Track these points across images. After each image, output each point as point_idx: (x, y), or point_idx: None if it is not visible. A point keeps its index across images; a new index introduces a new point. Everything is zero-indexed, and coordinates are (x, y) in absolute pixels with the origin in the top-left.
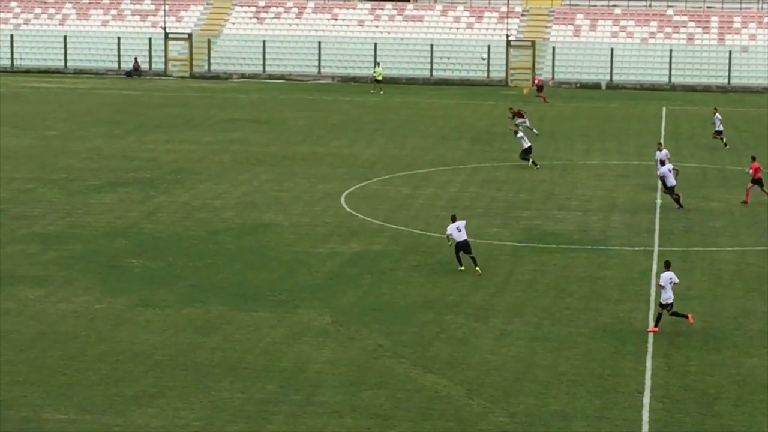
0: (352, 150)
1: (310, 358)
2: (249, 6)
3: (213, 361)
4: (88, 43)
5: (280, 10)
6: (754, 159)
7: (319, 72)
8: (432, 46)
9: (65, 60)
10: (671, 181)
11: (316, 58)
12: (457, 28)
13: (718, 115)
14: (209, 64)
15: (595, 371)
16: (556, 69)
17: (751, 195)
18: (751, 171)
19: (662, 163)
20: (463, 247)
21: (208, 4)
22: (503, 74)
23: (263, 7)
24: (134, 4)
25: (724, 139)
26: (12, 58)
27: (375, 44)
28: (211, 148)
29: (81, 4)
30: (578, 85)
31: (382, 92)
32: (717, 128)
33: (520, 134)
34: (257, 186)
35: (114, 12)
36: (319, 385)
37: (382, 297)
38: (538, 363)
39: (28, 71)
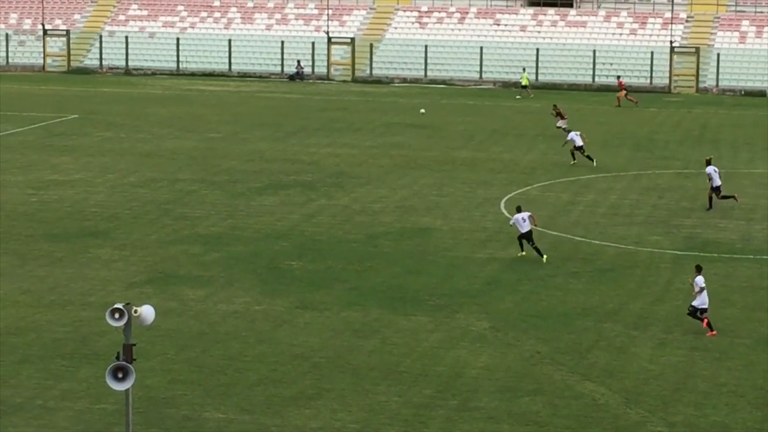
0: (512, 155)
1: (468, 363)
2: (411, 11)
3: (370, 364)
4: (252, 47)
5: (443, 15)
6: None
7: (481, 77)
8: (594, 51)
9: (230, 63)
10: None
11: (478, 63)
12: (621, 34)
13: None
14: (371, 68)
15: (756, 383)
16: (720, 76)
17: None
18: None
19: None
20: (526, 236)
21: (371, 9)
22: (666, 81)
23: (426, 12)
24: (298, 8)
25: None
26: (178, 61)
27: (537, 50)
28: (371, 152)
29: (246, 9)
30: (743, 92)
31: (531, 96)
32: None
33: (571, 134)
34: (417, 190)
35: (278, 16)
36: (475, 391)
37: (540, 303)
38: (698, 373)
39: (193, 74)
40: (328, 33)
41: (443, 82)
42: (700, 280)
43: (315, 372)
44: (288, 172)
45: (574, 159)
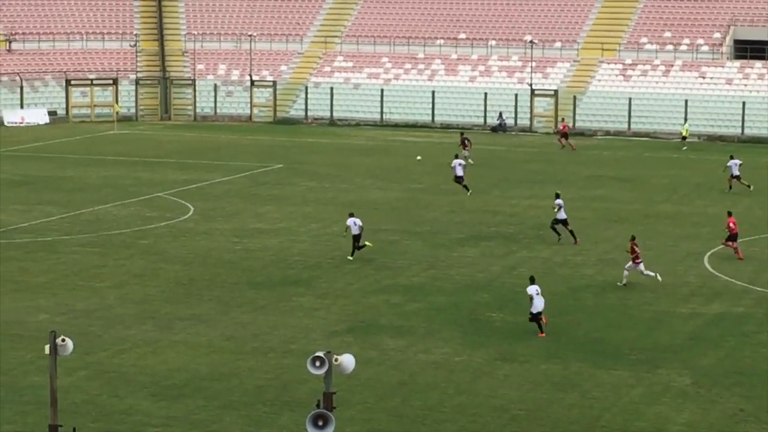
0: (717, 209)
1: (669, 420)
2: (616, 63)
3: (570, 417)
4: (456, 98)
5: (647, 67)
6: (729, 214)
7: None
8: None
9: (433, 114)
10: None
11: (682, 116)
12: None
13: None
14: (574, 120)
15: None
16: None
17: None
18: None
19: None
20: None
21: (574, 61)
22: None
23: (630, 65)
24: (501, 60)
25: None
26: (381, 113)
27: (743, 103)
28: (573, 204)
29: (450, 60)
30: None
31: (684, 148)
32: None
33: (455, 162)
34: (619, 243)
35: (481, 68)
36: None
37: (744, 360)
38: None
39: (396, 125)
40: (531, 85)
41: (647, 134)
42: None
43: (514, 424)
44: (489, 224)
45: None
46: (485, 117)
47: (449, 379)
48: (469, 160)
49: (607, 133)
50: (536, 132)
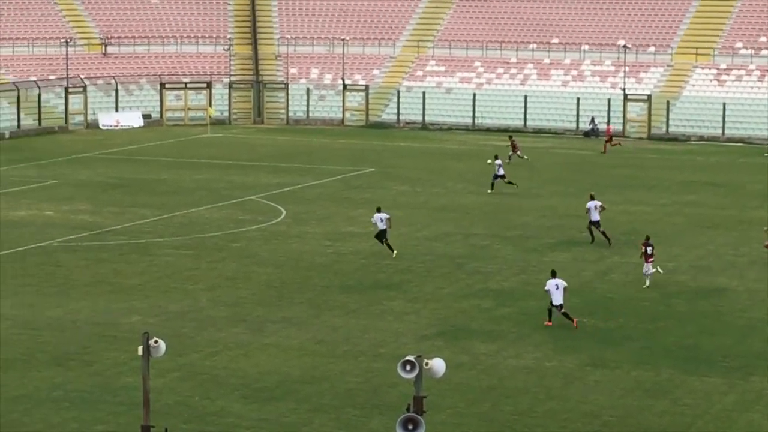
0: None
1: (762, 428)
2: (710, 68)
3: (661, 424)
4: (548, 103)
5: (742, 72)
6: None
7: None
8: None
9: (525, 119)
10: None
11: None
12: None
13: None
14: (667, 125)
15: None
16: None
17: None
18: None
19: None
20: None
21: (668, 66)
22: None
23: (724, 70)
24: (595, 65)
25: None
26: (473, 117)
27: None
28: (666, 210)
29: (542, 65)
30: None
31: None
32: None
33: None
34: (712, 249)
35: (574, 72)
36: None
37: None
38: None
39: (488, 129)
40: (624, 90)
41: (741, 140)
42: None
43: (605, 430)
44: (581, 229)
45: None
46: (577, 122)
47: (540, 384)
48: (525, 157)
49: (701, 138)
50: (628, 137)
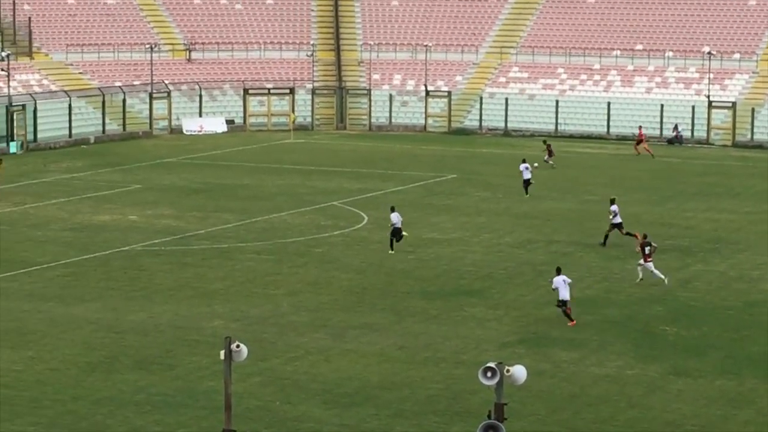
0: None
1: None
2: None
3: None
4: (631, 110)
5: None
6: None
7: None
8: None
9: (608, 126)
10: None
11: None
12: None
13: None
14: (752, 133)
15: None
16: None
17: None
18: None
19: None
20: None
21: (753, 72)
22: None
23: None
24: (679, 71)
25: None
26: (556, 123)
27: None
28: (750, 217)
29: (626, 72)
30: None
31: None
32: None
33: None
34: None
35: (658, 79)
36: None
37: None
38: None
39: (571, 136)
40: (708, 97)
41: None
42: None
43: None
44: (664, 236)
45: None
46: (661, 129)
47: (622, 392)
48: (552, 164)
49: None
50: (713, 144)
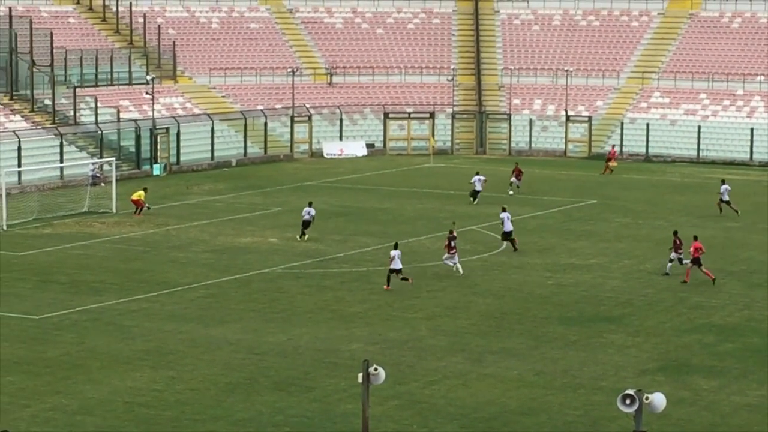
0: None
1: None
2: None
3: None
4: None
5: None
6: (695, 238)
7: None
8: None
9: (751, 152)
10: None
11: None
12: None
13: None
14: None
15: None
16: None
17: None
18: (691, 250)
19: None
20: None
21: None
22: None
23: None
24: None
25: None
26: (698, 149)
27: None
28: None
29: None
30: None
31: None
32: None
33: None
34: None
35: None
36: None
37: None
38: None
39: (713, 162)
40: None
41: None
42: None
43: None
44: None
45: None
46: None
47: (764, 422)
48: (518, 188)
49: None
50: None
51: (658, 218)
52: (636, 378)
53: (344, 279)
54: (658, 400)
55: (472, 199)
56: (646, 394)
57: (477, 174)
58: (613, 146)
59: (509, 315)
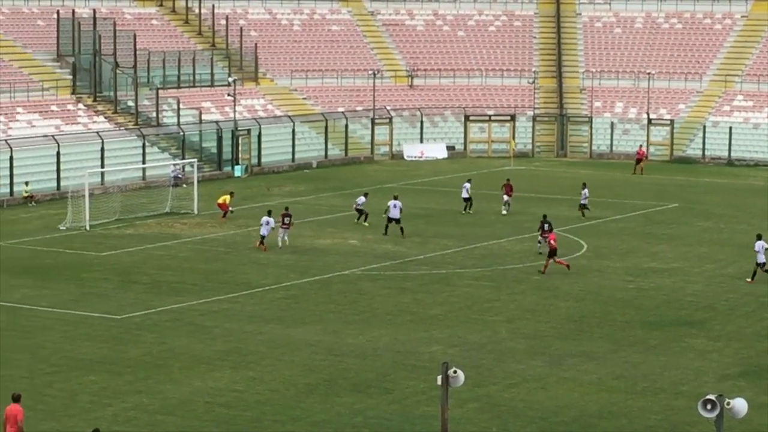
0: None
1: None
2: None
3: None
4: None
5: None
6: None
7: None
8: None
9: None
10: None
11: None
12: None
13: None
14: None
15: None
16: None
17: None
18: None
19: None
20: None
21: None
22: None
23: None
24: None
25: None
26: None
27: None
28: None
29: None
30: None
31: None
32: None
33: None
34: None
35: None
36: None
37: None
38: None
39: None
40: None
41: None
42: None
43: None
44: None
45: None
46: None
47: None
48: (508, 206)
49: None
50: None
51: (740, 222)
52: (717, 383)
53: (424, 281)
54: (740, 405)
55: (462, 208)
56: (727, 400)
57: (468, 181)
58: (641, 146)
59: (589, 318)
